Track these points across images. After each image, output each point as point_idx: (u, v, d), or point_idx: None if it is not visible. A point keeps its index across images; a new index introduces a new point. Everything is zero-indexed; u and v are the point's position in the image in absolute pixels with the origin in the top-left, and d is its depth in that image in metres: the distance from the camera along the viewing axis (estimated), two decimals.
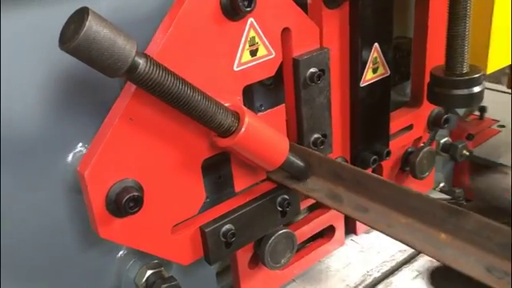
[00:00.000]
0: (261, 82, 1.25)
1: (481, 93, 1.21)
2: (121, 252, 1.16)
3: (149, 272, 1.16)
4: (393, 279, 1.43)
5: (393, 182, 0.97)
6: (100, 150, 0.88)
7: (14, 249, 1.01)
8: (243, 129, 0.96)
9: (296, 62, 1.11)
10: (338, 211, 1.02)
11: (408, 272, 1.45)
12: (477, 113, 2.24)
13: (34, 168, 0.99)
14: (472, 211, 1.57)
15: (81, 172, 0.88)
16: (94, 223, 0.92)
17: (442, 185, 1.91)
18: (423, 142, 1.61)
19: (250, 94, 1.26)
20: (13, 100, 0.93)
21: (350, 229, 1.57)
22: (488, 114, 2.24)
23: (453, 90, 1.21)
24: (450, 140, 1.82)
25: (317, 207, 1.44)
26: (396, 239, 0.91)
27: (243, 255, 1.25)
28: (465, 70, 1.21)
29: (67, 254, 1.08)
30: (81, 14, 0.74)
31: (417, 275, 1.44)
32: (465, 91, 1.20)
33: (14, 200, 0.99)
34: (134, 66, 0.79)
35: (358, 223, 1.55)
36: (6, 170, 0.96)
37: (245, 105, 1.25)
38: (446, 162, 1.95)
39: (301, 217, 1.42)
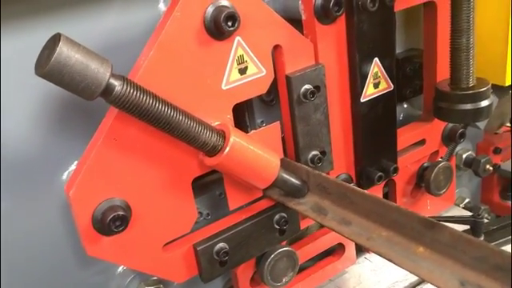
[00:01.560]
0: (261, 99, 1.25)
1: (488, 107, 1.16)
2: (119, 269, 1.18)
3: None
4: None
5: (376, 195, 0.96)
6: (84, 169, 0.90)
7: (13, 267, 1.05)
8: (228, 148, 0.96)
9: (288, 79, 1.10)
10: (321, 224, 1.02)
11: None
12: (509, 125, 2.13)
13: (30, 186, 1.03)
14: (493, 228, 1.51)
15: (66, 191, 0.91)
16: (82, 241, 0.94)
17: (466, 201, 1.83)
18: (441, 157, 1.55)
19: (250, 111, 1.27)
20: (8, 120, 0.97)
21: (364, 247, 1.52)
22: None
23: (458, 104, 1.16)
24: (474, 154, 1.74)
25: None
26: (375, 253, 0.89)
27: (244, 273, 1.24)
28: (471, 84, 1.16)
29: (66, 271, 1.12)
30: (54, 40, 0.77)
31: None
32: (470, 106, 1.15)
33: (12, 218, 1.03)
34: (109, 89, 0.81)
35: None
36: (4, 188, 1.00)
37: (246, 121, 1.27)
38: (472, 177, 1.87)
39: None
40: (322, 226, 1.41)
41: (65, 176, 1.06)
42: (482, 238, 1.51)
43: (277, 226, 1.16)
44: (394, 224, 0.90)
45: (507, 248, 1.50)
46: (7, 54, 0.94)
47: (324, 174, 1.07)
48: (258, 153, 1.01)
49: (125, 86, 0.83)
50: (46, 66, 0.74)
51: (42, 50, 0.79)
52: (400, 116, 1.62)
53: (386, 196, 1.54)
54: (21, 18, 0.95)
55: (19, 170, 1.01)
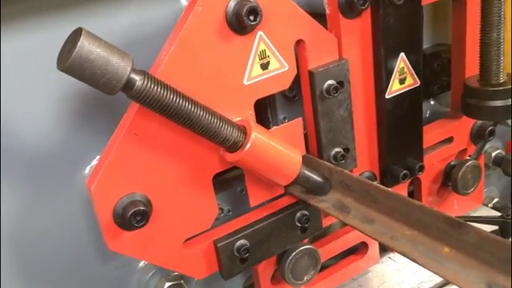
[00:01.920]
0: (284, 95, 1.24)
1: None
2: (141, 263, 1.18)
3: (168, 284, 1.18)
4: None
5: (399, 193, 0.94)
6: (106, 164, 0.91)
7: (35, 260, 1.06)
8: (249, 144, 0.95)
9: (311, 75, 1.08)
10: (344, 222, 1.00)
11: None
12: None
13: (53, 180, 1.04)
14: None
15: (88, 186, 0.91)
16: (103, 236, 0.94)
17: (495, 200, 1.78)
18: (469, 155, 1.51)
19: (273, 107, 1.26)
20: (31, 116, 0.98)
21: (387, 246, 1.49)
22: None
23: (487, 101, 1.13)
24: (503, 152, 1.69)
25: None
26: (398, 252, 0.87)
27: (265, 271, 1.23)
28: (501, 80, 1.12)
29: (88, 266, 1.13)
30: (75, 35, 0.77)
31: None
32: (500, 102, 1.11)
33: (36, 213, 1.04)
34: (130, 84, 0.81)
35: None
36: (27, 183, 1.01)
37: (268, 117, 1.26)
38: (501, 176, 1.82)
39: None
40: (344, 224, 1.39)
41: (87, 170, 1.06)
42: (510, 239, 1.46)
43: (298, 224, 1.15)
44: (418, 223, 0.87)
45: None
46: (29, 50, 0.95)
47: (347, 172, 1.05)
48: (279, 149, 1.00)
49: (146, 81, 0.82)
50: (68, 60, 0.75)
51: (64, 45, 0.79)
52: (427, 113, 1.58)
53: (411, 195, 1.50)
54: (43, 14, 0.95)
55: (42, 165, 1.01)
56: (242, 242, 1.08)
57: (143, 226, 0.93)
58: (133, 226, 0.92)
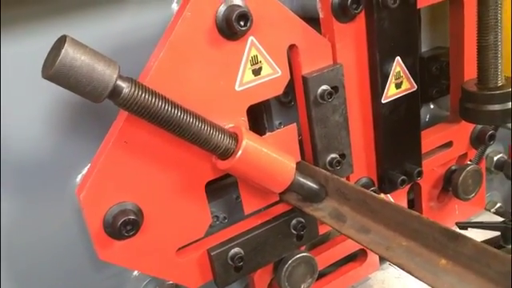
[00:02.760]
0: (279, 100, 1.22)
1: None
2: (135, 272, 1.17)
3: None
4: None
5: (396, 203, 0.92)
6: (95, 173, 0.89)
7: (27, 269, 1.05)
8: (240, 151, 0.93)
9: (305, 80, 1.06)
10: (339, 232, 0.98)
11: None
12: None
13: (44, 189, 1.03)
14: None
15: (78, 195, 0.90)
16: (94, 245, 0.93)
17: (498, 205, 1.75)
18: (470, 160, 1.48)
19: (268, 112, 1.24)
20: (21, 124, 0.97)
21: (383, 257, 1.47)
22: None
23: (485, 105, 1.11)
24: (505, 156, 1.67)
25: None
26: (394, 264, 0.85)
27: (261, 279, 1.21)
28: (499, 84, 1.10)
29: (81, 274, 1.12)
30: (60, 42, 0.76)
31: None
32: (499, 106, 1.09)
33: (27, 221, 1.03)
34: (116, 91, 0.80)
35: None
36: (19, 192, 1.00)
37: (264, 123, 1.24)
38: (504, 181, 1.79)
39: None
40: None
41: (78, 179, 1.05)
42: (510, 255, 1.43)
43: (294, 231, 1.13)
44: (414, 234, 0.85)
45: None
46: (19, 57, 0.94)
47: (343, 180, 1.03)
48: (272, 156, 0.98)
49: (133, 88, 0.81)
50: (52, 68, 0.74)
51: (49, 52, 0.78)
52: (426, 117, 1.56)
53: (411, 201, 1.48)
54: (33, 21, 0.95)
55: (33, 174, 1.01)
56: (236, 250, 1.07)
57: (134, 235, 0.92)
58: (123, 236, 0.91)
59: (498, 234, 1.46)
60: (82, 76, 0.76)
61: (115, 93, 0.80)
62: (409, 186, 1.38)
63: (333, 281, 1.36)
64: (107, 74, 0.78)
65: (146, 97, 0.83)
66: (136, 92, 0.82)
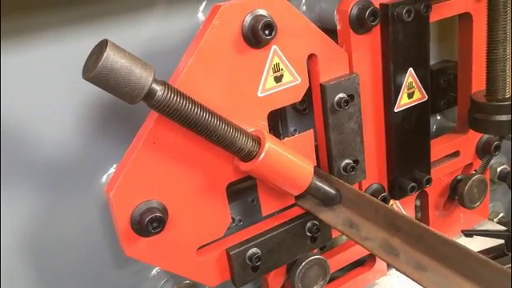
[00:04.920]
0: (294, 107, 1.27)
1: None
2: (153, 271, 1.20)
3: None
4: None
5: (455, 241, 0.86)
6: (125, 172, 0.93)
7: (51, 265, 1.09)
8: (263, 154, 0.98)
9: (323, 88, 1.11)
10: (393, 266, 0.95)
11: None
12: None
13: (71, 188, 1.07)
14: None
15: (107, 192, 0.94)
16: (120, 242, 0.97)
17: (501, 215, 1.80)
18: (475, 170, 1.53)
19: (284, 119, 1.29)
20: (52, 124, 1.01)
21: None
22: None
23: (493, 115, 1.15)
24: (508, 168, 1.72)
25: None
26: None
27: (275, 280, 1.24)
28: (507, 95, 1.15)
29: (103, 272, 1.15)
30: (101, 46, 0.80)
31: None
32: (506, 117, 1.14)
33: (54, 218, 1.07)
34: (151, 93, 0.84)
35: None
36: (46, 189, 1.04)
37: (279, 129, 1.29)
38: (507, 192, 1.84)
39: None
40: None
41: (104, 179, 1.09)
42: None
43: (309, 234, 1.17)
44: (479, 278, 0.80)
45: None
46: (53, 59, 0.99)
47: (395, 210, 1.01)
48: (291, 159, 1.03)
49: (166, 91, 0.86)
50: (94, 70, 0.78)
51: (89, 56, 0.83)
52: (433, 127, 1.62)
53: (418, 209, 1.53)
54: (67, 26, 0.99)
55: (61, 173, 1.04)
56: (254, 250, 1.11)
57: (159, 232, 0.96)
58: (149, 232, 0.95)
59: (501, 241, 1.50)
60: (121, 78, 0.80)
61: (150, 95, 0.84)
62: (417, 193, 1.43)
63: (342, 284, 1.39)
64: (144, 76, 0.82)
65: (178, 99, 0.87)
66: (169, 94, 0.86)
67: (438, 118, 1.64)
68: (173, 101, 0.86)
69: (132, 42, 1.05)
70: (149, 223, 0.94)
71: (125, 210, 0.95)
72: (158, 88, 0.85)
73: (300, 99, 1.12)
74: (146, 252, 0.99)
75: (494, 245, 1.51)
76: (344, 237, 1.40)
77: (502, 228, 1.62)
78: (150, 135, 0.94)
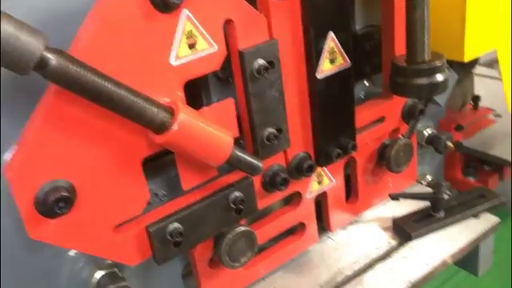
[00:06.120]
0: (217, 76, 1.22)
1: (444, 82, 1.15)
2: (71, 253, 1.14)
3: (101, 273, 1.14)
4: (365, 277, 1.38)
5: None
6: (23, 150, 0.86)
7: None
8: (176, 124, 0.93)
9: (241, 55, 1.07)
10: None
11: (381, 269, 1.40)
12: (471, 103, 2.15)
13: None
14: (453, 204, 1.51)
15: (5, 172, 0.87)
16: (25, 224, 0.90)
17: (429, 178, 1.84)
18: (402, 135, 1.55)
19: (206, 89, 1.24)
20: None
21: (325, 225, 1.52)
22: (484, 103, 2.14)
23: (413, 79, 1.15)
24: (435, 131, 1.75)
25: (289, 201, 1.39)
26: None
27: (201, 255, 1.22)
28: (426, 58, 1.15)
29: (15, 256, 1.07)
30: None
31: (390, 273, 1.38)
32: (426, 80, 1.14)
33: None
34: (43, 62, 0.77)
35: (332, 218, 1.50)
36: None
37: (202, 100, 1.24)
38: (435, 155, 1.88)
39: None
40: (285, 204, 1.39)
41: (7, 156, 1.01)
42: (441, 215, 1.52)
43: (233, 206, 1.14)
44: None
45: (465, 223, 1.52)
46: None
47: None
48: (208, 130, 0.98)
49: (61, 60, 0.79)
50: None
51: None
52: (361, 94, 1.61)
53: (348, 177, 1.53)
54: None
55: None
56: (174, 225, 1.07)
57: (66, 212, 0.90)
58: (55, 213, 0.89)
59: (428, 204, 1.54)
60: (6, 45, 0.72)
61: (42, 64, 0.77)
62: (345, 160, 1.43)
63: (272, 255, 1.38)
64: (33, 43, 0.75)
65: (75, 69, 0.80)
66: (64, 64, 0.79)
67: (367, 84, 1.64)
68: (69, 70, 0.80)
69: (24, 9, 0.95)
70: (54, 204, 0.88)
71: (27, 190, 0.88)
72: (51, 56, 0.78)
73: (219, 67, 1.07)
74: (55, 234, 0.93)
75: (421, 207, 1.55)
76: (274, 206, 1.39)
77: (430, 191, 1.66)
78: (49, 109, 0.87)
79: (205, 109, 1.07)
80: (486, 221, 1.53)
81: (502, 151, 1.92)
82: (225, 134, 1.02)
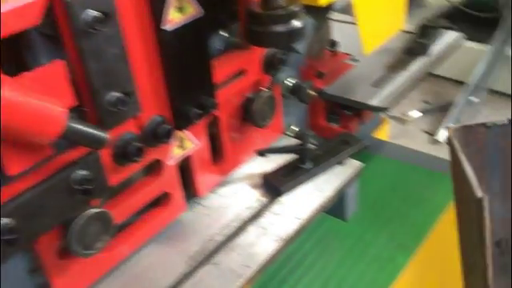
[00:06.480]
0: (44, 34, 1.01)
1: (301, 29, 1.07)
2: None
3: None
4: (237, 241, 1.31)
5: None
6: None
7: None
8: None
9: (67, 5, 0.87)
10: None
11: (253, 231, 1.34)
12: (330, 48, 2.14)
13: None
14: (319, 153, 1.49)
15: None
16: None
17: (296, 129, 1.81)
18: (265, 87, 1.47)
19: (31, 50, 1.02)
20: None
21: (192, 191, 1.41)
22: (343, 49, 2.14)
23: (269, 26, 1.06)
24: (298, 81, 1.70)
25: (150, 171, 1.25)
26: None
27: (47, 247, 1.03)
28: (282, 3, 1.06)
29: None
30: None
31: (263, 233, 1.33)
32: (282, 27, 1.05)
33: None
34: None
35: (199, 183, 1.39)
36: None
37: (27, 64, 1.02)
38: (300, 105, 1.85)
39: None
40: (145, 175, 1.25)
41: None
42: (309, 166, 1.49)
43: (78, 187, 0.97)
44: None
45: (331, 171, 1.52)
46: None
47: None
48: (29, 100, 0.79)
49: None
50: None
51: None
52: (220, 46, 1.49)
53: (213, 136, 1.42)
54: None
55: None
56: (4, 221, 0.87)
57: None
58: None
59: (297, 156, 1.51)
60: None
61: None
62: (207, 120, 1.31)
63: (136, 232, 1.25)
64: None
65: None
66: None
67: (226, 35, 1.51)
68: None
69: None
70: None
71: None
72: None
73: (38, 22, 0.86)
74: None
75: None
76: (136, 177, 1.23)
77: (295, 141, 1.62)
78: None
79: (24, 74, 0.86)
80: (350, 167, 1.54)
81: (361, 95, 1.95)
82: (53, 103, 0.83)
